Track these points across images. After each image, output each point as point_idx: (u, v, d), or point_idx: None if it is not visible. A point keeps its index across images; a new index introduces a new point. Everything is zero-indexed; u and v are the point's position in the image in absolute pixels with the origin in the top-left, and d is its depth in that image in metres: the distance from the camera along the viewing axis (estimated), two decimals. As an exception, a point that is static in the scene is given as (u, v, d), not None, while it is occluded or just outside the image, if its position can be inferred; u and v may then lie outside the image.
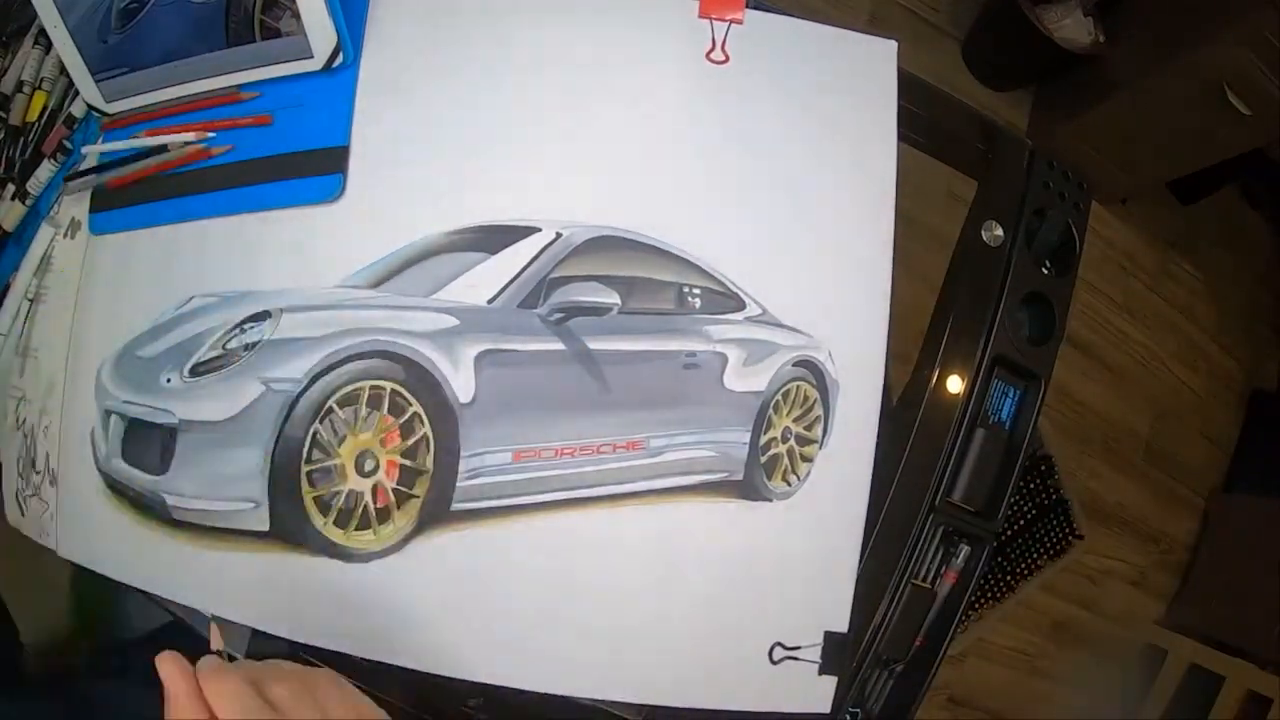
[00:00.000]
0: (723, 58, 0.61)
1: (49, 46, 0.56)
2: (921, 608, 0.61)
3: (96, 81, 0.55)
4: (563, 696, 0.53)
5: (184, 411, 0.51)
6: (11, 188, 0.57)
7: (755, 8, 0.62)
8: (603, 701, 0.54)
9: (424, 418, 0.52)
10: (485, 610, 0.52)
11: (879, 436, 0.59)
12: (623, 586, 0.54)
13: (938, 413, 0.63)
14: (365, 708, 0.42)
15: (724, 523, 0.56)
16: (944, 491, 0.62)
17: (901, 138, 0.62)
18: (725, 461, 0.57)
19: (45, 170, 0.56)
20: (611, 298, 0.55)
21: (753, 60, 0.61)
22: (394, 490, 0.52)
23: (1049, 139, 1.75)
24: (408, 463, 0.52)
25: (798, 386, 0.58)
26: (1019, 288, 0.65)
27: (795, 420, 0.58)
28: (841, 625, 0.56)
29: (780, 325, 0.58)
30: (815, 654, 0.56)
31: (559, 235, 0.56)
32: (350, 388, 0.51)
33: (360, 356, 0.51)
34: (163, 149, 0.55)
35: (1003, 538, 1.67)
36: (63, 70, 0.55)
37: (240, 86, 0.56)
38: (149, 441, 0.52)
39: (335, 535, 0.51)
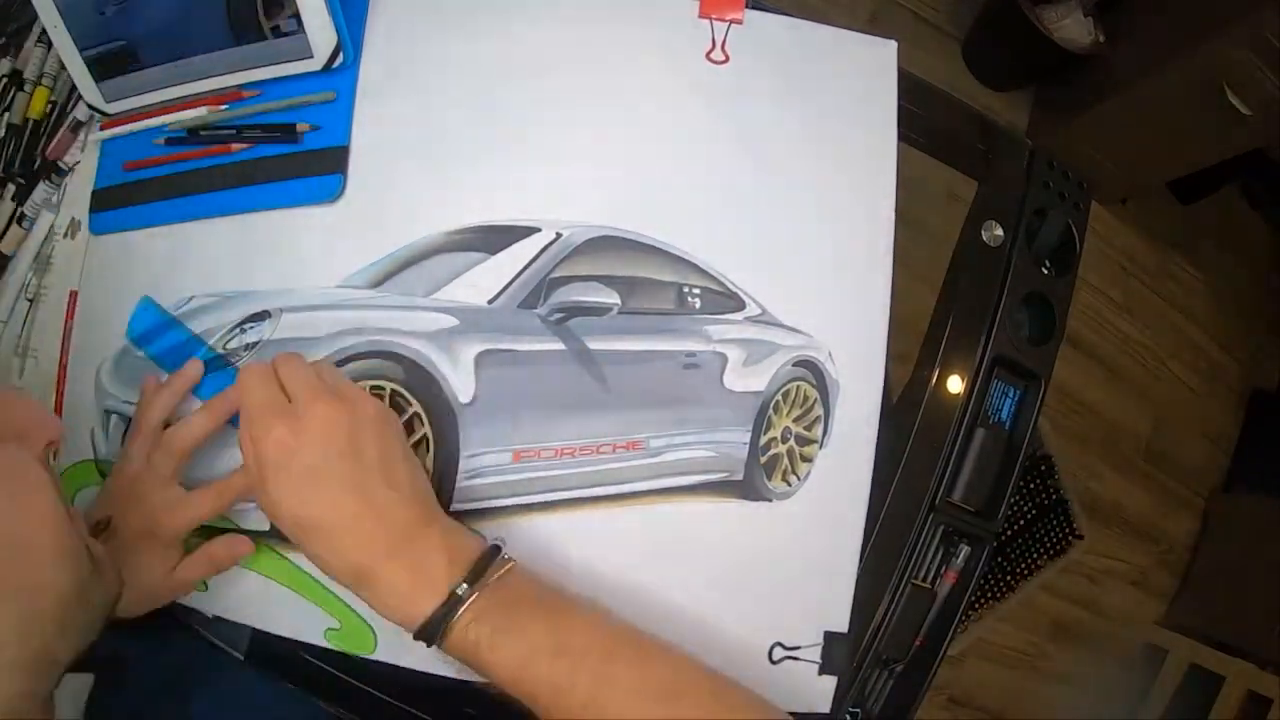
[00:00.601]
0: (723, 58, 0.61)
1: (51, 44, 0.56)
2: (921, 608, 0.61)
3: (96, 82, 0.55)
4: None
5: (184, 411, 0.51)
6: (11, 187, 0.57)
7: (755, 8, 0.62)
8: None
9: (424, 418, 0.52)
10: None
11: (879, 436, 0.59)
12: (622, 587, 0.54)
13: (938, 413, 0.63)
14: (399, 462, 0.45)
15: (724, 523, 0.56)
16: (944, 491, 0.62)
17: (901, 138, 0.62)
18: (725, 462, 0.57)
19: (40, 193, 0.57)
20: (611, 298, 0.56)
21: (753, 60, 0.61)
22: (394, 490, 0.52)
23: (1049, 139, 1.75)
24: (408, 463, 0.52)
25: (798, 386, 0.58)
26: (1019, 288, 0.65)
27: (795, 420, 0.58)
28: (841, 625, 0.56)
29: (780, 325, 0.58)
30: (815, 654, 0.56)
31: (559, 235, 0.56)
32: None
33: (360, 356, 0.51)
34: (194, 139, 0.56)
35: (1003, 538, 1.67)
36: (64, 67, 0.55)
37: (241, 86, 0.56)
38: (149, 441, 0.51)
39: (335, 535, 0.51)
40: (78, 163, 0.58)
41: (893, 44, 0.64)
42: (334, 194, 0.55)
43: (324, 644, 0.51)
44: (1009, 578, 1.70)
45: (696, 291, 0.57)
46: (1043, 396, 0.65)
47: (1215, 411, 1.95)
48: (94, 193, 0.57)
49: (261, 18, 0.53)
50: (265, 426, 0.43)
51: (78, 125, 0.58)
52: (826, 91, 0.62)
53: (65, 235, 0.58)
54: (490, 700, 0.51)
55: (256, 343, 0.51)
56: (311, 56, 0.55)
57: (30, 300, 0.57)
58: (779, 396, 0.58)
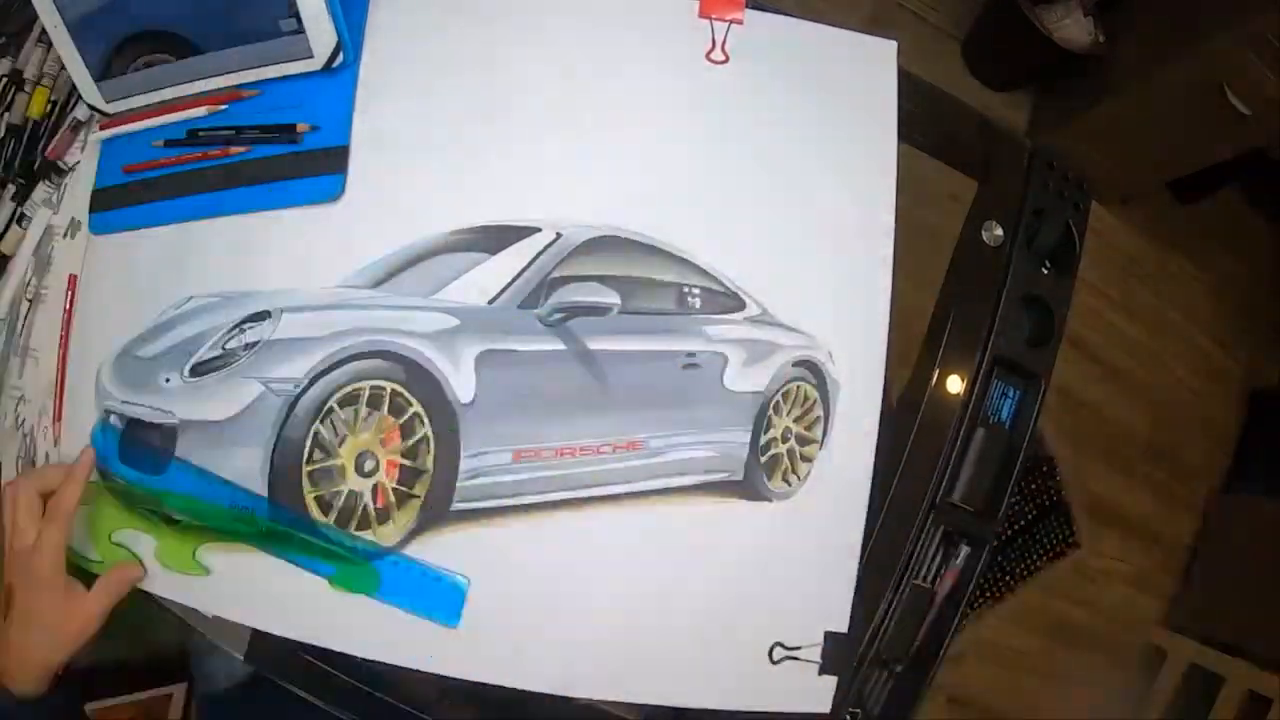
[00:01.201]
0: (723, 58, 0.61)
1: (50, 44, 0.56)
2: (921, 608, 0.61)
3: (96, 82, 0.55)
4: (562, 697, 0.53)
5: (184, 412, 0.51)
6: (12, 187, 0.57)
7: (755, 8, 0.62)
8: (602, 701, 0.54)
9: (424, 418, 0.52)
10: (484, 610, 0.52)
11: (879, 436, 0.59)
12: (623, 586, 0.54)
13: (938, 413, 0.63)
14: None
15: (724, 523, 0.56)
16: (944, 492, 0.62)
17: (902, 137, 0.62)
18: (725, 461, 0.57)
19: (40, 193, 0.57)
20: (612, 298, 0.55)
21: (753, 60, 0.61)
22: (394, 490, 0.52)
23: (1049, 139, 1.75)
24: (408, 463, 0.52)
25: (798, 386, 0.58)
26: (1019, 288, 0.65)
27: (795, 420, 0.58)
28: (842, 625, 0.56)
29: (780, 325, 0.58)
30: (815, 654, 0.56)
31: (559, 235, 0.56)
32: (351, 388, 0.51)
33: (361, 356, 0.51)
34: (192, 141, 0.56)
35: (1003, 538, 1.67)
36: (64, 66, 0.55)
37: (240, 86, 0.56)
38: (149, 442, 0.52)
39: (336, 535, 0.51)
40: (78, 163, 0.58)
41: (893, 44, 0.64)
42: (334, 194, 0.55)
43: (330, 594, 0.51)
44: (1009, 578, 1.70)
45: (697, 291, 0.57)
46: (1042, 396, 0.65)
47: (1215, 411, 1.95)
48: (94, 193, 0.57)
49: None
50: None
51: (78, 125, 0.58)
52: (826, 91, 0.62)
53: (65, 235, 0.58)
54: (487, 701, 0.51)
55: (256, 343, 0.51)
56: (311, 56, 0.55)
57: (30, 300, 0.57)
58: (779, 396, 0.58)
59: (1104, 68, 1.63)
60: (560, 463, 0.54)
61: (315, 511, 0.51)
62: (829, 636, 0.56)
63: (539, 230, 0.56)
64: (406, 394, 0.52)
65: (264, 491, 0.50)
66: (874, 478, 0.58)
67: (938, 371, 0.63)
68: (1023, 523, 1.71)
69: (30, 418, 0.57)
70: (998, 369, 0.64)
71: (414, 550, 0.52)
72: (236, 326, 0.53)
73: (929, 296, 0.66)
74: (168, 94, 0.56)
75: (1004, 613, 1.70)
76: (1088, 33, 1.59)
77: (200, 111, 0.56)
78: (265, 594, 0.51)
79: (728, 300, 0.58)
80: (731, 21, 0.61)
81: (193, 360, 0.52)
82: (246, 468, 0.50)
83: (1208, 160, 1.66)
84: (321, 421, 0.51)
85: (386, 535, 0.52)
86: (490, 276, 0.55)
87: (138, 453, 0.52)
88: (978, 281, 0.65)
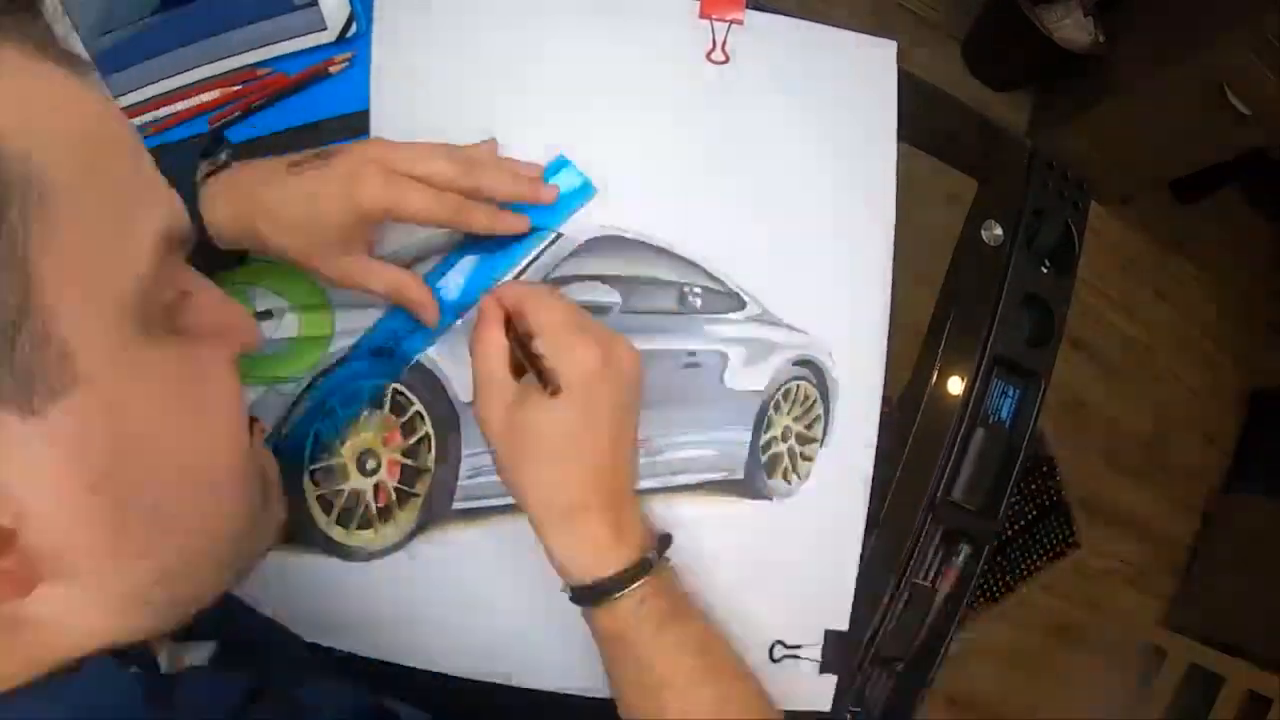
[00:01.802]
0: (723, 58, 0.61)
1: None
2: (921, 607, 0.61)
3: (104, 76, 0.55)
4: (565, 695, 0.53)
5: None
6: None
7: (755, 8, 0.62)
8: (605, 700, 0.54)
9: (425, 416, 0.52)
10: (486, 609, 0.52)
11: (879, 436, 0.59)
12: (623, 585, 0.54)
13: (938, 413, 0.63)
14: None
15: (724, 522, 0.56)
16: (944, 491, 0.62)
17: (902, 137, 0.62)
18: (726, 460, 0.57)
19: None
20: (612, 297, 0.56)
21: (753, 60, 0.61)
22: (395, 489, 0.52)
23: (1049, 139, 1.75)
24: (409, 462, 0.52)
25: (798, 385, 0.58)
26: (1019, 288, 0.65)
27: (796, 419, 0.58)
28: (842, 624, 0.57)
29: (780, 324, 0.58)
30: (816, 653, 0.56)
31: (560, 235, 0.56)
32: (352, 387, 0.51)
33: (361, 357, 0.51)
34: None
35: (1003, 538, 1.67)
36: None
37: (254, 65, 0.56)
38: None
39: (337, 534, 0.51)
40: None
41: (893, 44, 0.64)
42: None
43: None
44: (1009, 578, 1.70)
45: (697, 291, 0.58)
46: (1042, 396, 0.65)
47: (1215, 411, 1.95)
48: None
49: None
50: (570, 344, 0.44)
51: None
52: (827, 91, 0.62)
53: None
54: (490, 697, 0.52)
55: (258, 342, 0.51)
56: (325, 29, 0.55)
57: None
58: (779, 395, 0.58)
59: (1104, 68, 1.64)
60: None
61: (316, 511, 0.51)
62: (829, 635, 0.56)
63: (539, 230, 0.56)
64: (407, 392, 0.52)
65: (265, 490, 0.50)
66: (874, 477, 0.59)
67: (938, 371, 0.63)
68: (1023, 523, 1.71)
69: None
70: (997, 368, 0.64)
71: (415, 548, 0.52)
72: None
73: (929, 296, 0.66)
74: (179, 80, 0.56)
75: (1004, 613, 1.70)
76: (1088, 33, 1.60)
77: (213, 95, 0.55)
78: (266, 593, 0.51)
79: (728, 300, 0.58)
80: (732, 22, 0.61)
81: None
82: (248, 467, 0.50)
83: (1208, 160, 1.66)
84: (322, 421, 0.51)
85: (388, 534, 0.52)
86: (490, 276, 0.55)
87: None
88: (978, 281, 0.65)
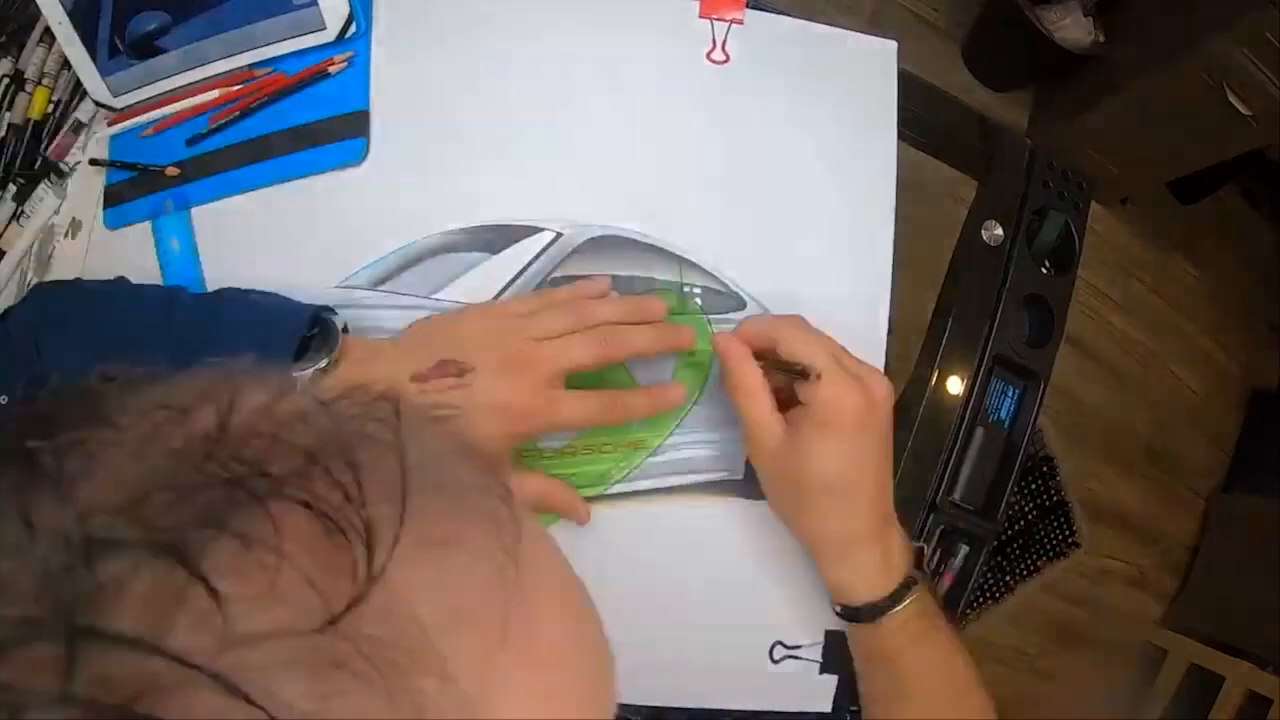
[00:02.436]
0: (723, 58, 0.61)
1: (51, 45, 0.56)
2: (921, 607, 0.61)
3: (103, 76, 0.55)
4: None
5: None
6: (12, 187, 0.57)
7: (755, 8, 0.62)
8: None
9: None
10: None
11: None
12: (623, 585, 0.54)
13: (937, 412, 0.63)
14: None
15: (724, 521, 0.56)
16: (943, 491, 0.62)
17: (901, 137, 0.62)
18: (725, 460, 0.57)
19: (40, 194, 0.56)
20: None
21: (753, 61, 0.61)
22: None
23: (1049, 139, 1.75)
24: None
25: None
26: (1019, 288, 0.65)
27: (795, 420, 0.58)
28: (842, 624, 0.57)
29: (780, 325, 0.58)
30: (816, 653, 0.56)
31: (559, 235, 0.56)
32: (351, 387, 0.51)
33: (361, 356, 0.51)
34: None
35: (1003, 538, 1.67)
36: (65, 65, 0.55)
37: (252, 65, 0.56)
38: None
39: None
40: (79, 163, 0.58)
41: (893, 44, 0.64)
42: (359, 157, 0.55)
43: None
44: (1009, 578, 1.70)
45: (697, 291, 0.58)
46: (1042, 396, 0.65)
47: (1215, 411, 1.95)
48: (105, 188, 0.57)
49: None
50: (845, 386, 0.46)
51: (79, 126, 0.57)
52: (826, 91, 0.62)
53: (66, 235, 0.58)
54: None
55: (257, 342, 0.51)
56: (324, 28, 0.55)
57: (31, 300, 0.57)
58: (779, 396, 0.58)
59: (1104, 68, 1.64)
60: (561, 462, 0.54)
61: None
62: (830, 635, 0.56)
63: (539, 230, 0.56)
64: None
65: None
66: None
67: (937, 371, 0.63)
68: (1023, 523, 1.71)
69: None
70: (997, 368, 0.64)
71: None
72: (237, 326, 0.53)
73: (929, 296, 0.66)
74: (178, 81, 0.56)
75: (1004, 613, 1.70)
76: (1088, 33, 1.60)
77: (212, 95, 0.55)
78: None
79: (728, 299, 0.58)
80: (732, 22, 0.61)
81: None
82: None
83: (1208, 160, 1.66)
84: (322, 421, 0.51)
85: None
86: (491, 277, 0.55)
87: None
88: (977, 281, 0.65)
